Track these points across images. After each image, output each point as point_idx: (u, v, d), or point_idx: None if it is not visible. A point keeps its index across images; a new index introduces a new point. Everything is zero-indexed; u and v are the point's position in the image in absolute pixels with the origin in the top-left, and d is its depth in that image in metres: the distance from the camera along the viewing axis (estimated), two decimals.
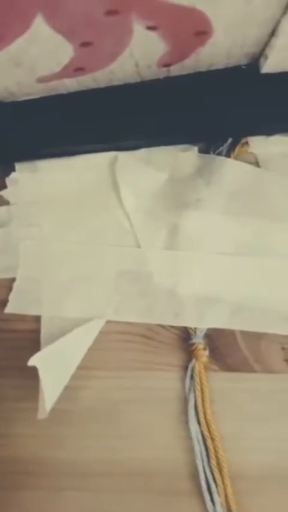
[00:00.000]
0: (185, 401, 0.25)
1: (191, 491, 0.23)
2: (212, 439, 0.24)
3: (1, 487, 0.24)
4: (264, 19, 0.24)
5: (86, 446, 0.25)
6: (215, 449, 0.23)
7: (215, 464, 0.23)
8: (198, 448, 0.24)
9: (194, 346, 0.25)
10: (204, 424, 0.24)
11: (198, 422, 0.24)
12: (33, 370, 0.26)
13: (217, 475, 0.23)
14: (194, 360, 0.25)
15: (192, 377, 0.25)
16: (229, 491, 0.23)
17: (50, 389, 0.24)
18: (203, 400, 0.24)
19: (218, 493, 0.23)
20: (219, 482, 0.23)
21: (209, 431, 0.24)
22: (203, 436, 0.24)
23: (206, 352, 0.25)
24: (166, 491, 0.24)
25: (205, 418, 0.24)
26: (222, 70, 0.28)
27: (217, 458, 0.23)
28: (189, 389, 0.25)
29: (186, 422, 0.25)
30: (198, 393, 0.24)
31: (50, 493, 0.24)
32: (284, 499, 0.23)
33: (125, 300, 0.27)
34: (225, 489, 0.23)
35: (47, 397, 0.24)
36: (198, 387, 0.25)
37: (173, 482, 0.24)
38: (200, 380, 0.25)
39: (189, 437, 0.24)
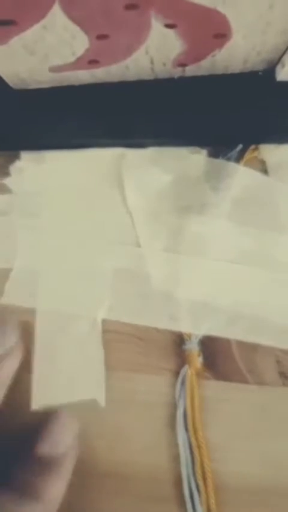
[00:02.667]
0: (172, 407, 0.25)
1: (171, 498, 0.23)
2: (199, 447, 0.23)
3: None
4: (285, 27, 0.24)
5: None
6: (201, 458, 0.23)
7: (200, 473, 0.23)
8: (184, 455, 0.23)
9: (187, 352, 0.25)
10: (192, 431, 0.24)
11: (186, 429, 0.24)
12: (24, 362, 0.26)
13: (201, 484, 0.23)
14: (186, 366, 0.25)
15: (183, 383, 0.25)
16: (212, 501, 0.22)
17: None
18: (192, 407, 0.24)
19: (200, 502, 0.22)
20: (203, 491, 0.22)
21: (196, 439, 0.23)
22: (189, 443, 0.24)
23: (200, 359, 0.25)
24: (145, 496, 0.23)
25: (193, 425, 0.24)
26: (237, 74, 0.28)
27: (202, 467, 0.23)
28: (180, 395, 0.24)
29: (171, 428, 0.24)
30: (188, 399, 0.24)
31: None
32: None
33: (120, 299, 0.27)
34: (208, 499, 0.22)
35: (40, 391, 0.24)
36: (188, 393, 0.24)
37: (153, 488, 0.24)
38: (191, 386, 0.24)
39: (173, 444, 0.24)
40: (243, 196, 0.28)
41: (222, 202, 0.27)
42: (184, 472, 0.23)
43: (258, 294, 0.26)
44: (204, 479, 0.23)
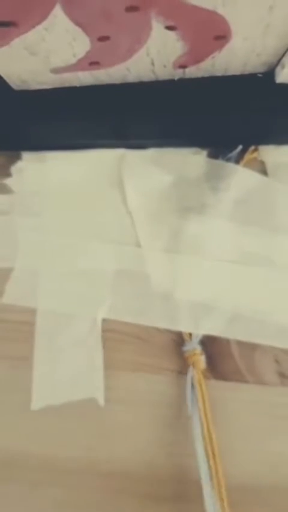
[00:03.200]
0: (172, 406, 0.25)
1: (170, 497, 0.23)
2: (214, 454, 0.22)
3: None
4: (284, 29, 0.24)
5: (69, 443, 0.25)
6: (215, 466, 0.22)
7: (216, 481, 0.22)
8: (204, 466, 0.22)
9: (188, 352, 0.25)
10: (207, 437, 0.23)
11: (203, 437, 0.23)
12: (24, 361, 0.26)
13: (216, 492, 0.22)
14: (191, 368, 0.25)
15: (193, 386, 0.24)
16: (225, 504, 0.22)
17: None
18: (205, 412, 0.23)
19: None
20: (218, 497, 0.21)
21: (212, 445, 0.23)
22: (205, 450, 0.23)
23: (203, 358, 0.25)
24: (144, 495, 0.24)
25: (208, 430, 0.23)
26: (237, 76, 0.28)
27: (217, 476, 0.22)
28: (192, 400, 0.24)
29: (171, 426, 0.24)
30: (201, 406, 0.23)
31: (31, 487, 0.24)
32: (261, 510, 0.23)
33: (121, 300, 0.27)
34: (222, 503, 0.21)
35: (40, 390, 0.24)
36: (200, 399, 0.24)
37: (152, 487, 0.24)
38: (201, 390, 0.24)
39: (173, 442, 0.24)
40: (243, 196, 0.28)
41: (222, 202, 0.27)
42: (205, 484, 0.22)
43: (257, 294, 0.26)
44: (219, 485, 0.22)
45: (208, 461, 0.22)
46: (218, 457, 0.22)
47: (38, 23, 0.23)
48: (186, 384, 0.24)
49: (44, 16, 0.22)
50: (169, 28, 0.23)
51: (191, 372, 0.25)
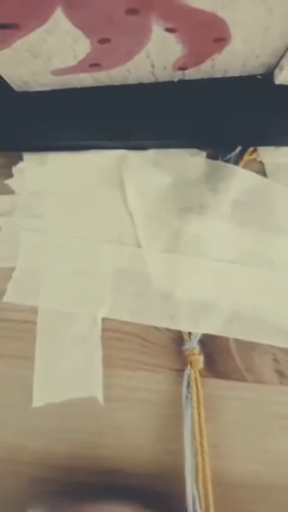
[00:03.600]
0: (171, 404, 0.25)
1: (169, 494, 0.24)
2: (202, 451, 0.23)
3: None
4: (283, 31, 0.24)
5: (69, 440, 0.25)
6: (203, 463, 0.23)
7: (202, 478, 0.22)
8: (190, 461, 0.23)
9: (188, 351, 0.25)
10: (198, 434, 0.23)
11: (193, 434, 0.23)
12: (25, 359, 0.26)
13: (201, 489, 0.22)
14: (189, 367, 0.25)
15: (188, 385, 0.24)
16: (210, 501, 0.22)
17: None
18: (198, 411, 0.24)
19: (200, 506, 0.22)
20: (203, 496, 0.22)
21: (201, 443, 0.23)
22: (195, 448, 0.23)
23: (201, 358, 0.25)
24: (142, 491, 0.24)
25: (199, 427, 0.23)
26: (236, 78, 0.28)
27: (204, 472, 0.22)
28: (186, 398, 0.24)
29: (170, 424, 0.25)
30: (195, 404, 0.24)
31: (31, 483, 0.24)
32: (260, 508, 0.23)
33: (121, 299, 0.27)
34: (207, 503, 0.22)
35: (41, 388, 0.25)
36: (194, 397, 0.24)
37: (151, 484, 0.24)
38: (196, 388, 0.24)
39: (172, 440, 0.24)
40: (242, 197, 0.28)
41: (222, 203, 0.28)
42: (189, 479, 0.22)
43: (256, 294, 0.26)
44: (205, 483, 0.22)
45: (196, 458, 0.23)
46: (206, 454, 0.23)
47: (40, 25, 0.23)
48: (183, 382, 0.25)
49: (45, 19, 0.23)
50: (169, 30, 0.24)
51: (188, 371, 0.25)
